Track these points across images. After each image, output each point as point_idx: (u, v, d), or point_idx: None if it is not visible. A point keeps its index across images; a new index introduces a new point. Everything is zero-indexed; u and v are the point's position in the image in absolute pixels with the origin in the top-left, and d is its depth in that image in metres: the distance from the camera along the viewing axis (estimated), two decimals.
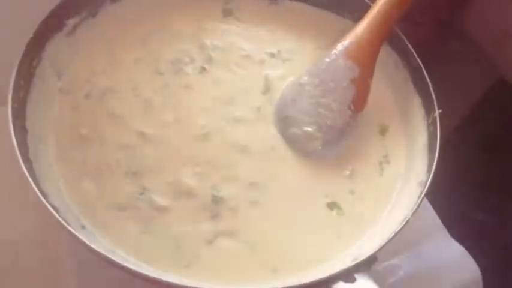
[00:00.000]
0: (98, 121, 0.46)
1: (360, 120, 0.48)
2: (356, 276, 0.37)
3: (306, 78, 0.48)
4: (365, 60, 0.47)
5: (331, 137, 0.47)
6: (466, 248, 0.53)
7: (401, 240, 0.44)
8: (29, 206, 0.41)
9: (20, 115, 0.43)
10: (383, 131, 0.49)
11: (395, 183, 0.46)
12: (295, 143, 0.46)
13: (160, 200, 0.42)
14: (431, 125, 0.46)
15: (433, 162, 0.43)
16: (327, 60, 0.48)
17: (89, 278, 0.47)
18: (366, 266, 0.37)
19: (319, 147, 0.46)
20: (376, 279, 0.37)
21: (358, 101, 0.48)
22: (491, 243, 0.64)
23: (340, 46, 0.48)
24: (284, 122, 0.47)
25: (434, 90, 0.47)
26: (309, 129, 0.46)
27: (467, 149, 0.77)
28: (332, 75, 0.47)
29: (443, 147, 0.44)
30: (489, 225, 0.68)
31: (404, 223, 0.40)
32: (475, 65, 0.75)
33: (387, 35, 0.48)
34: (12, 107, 0.41)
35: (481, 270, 0.53)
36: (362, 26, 0.48)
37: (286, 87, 0.49)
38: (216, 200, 0.43)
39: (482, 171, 0.74)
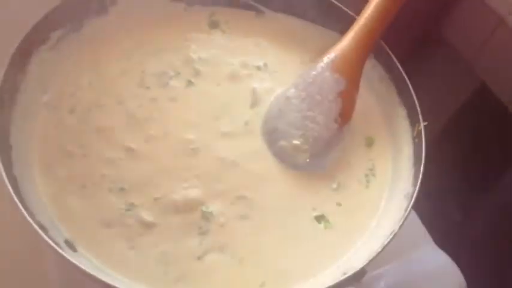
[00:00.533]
0: (83, 136, 0.45)
1: (347, 132, 0.49)
2: None
3: (292, 91, 0.48)
4: (351, 73, 0.48)
5: (318, 149, 0.47)
6: (451, 257, 0.54)
7: (387, 251, 0.45)
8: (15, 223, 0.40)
9: (4, 131, 0.42)
10: (369, 143, 0.50)
11: (382, 195, 0.47)
12: (283, 156, 0.47)
13: (148, 216, 0.42)
14: (416, 137, 0.47)
15: (419, 174, 0.44)
16: (314, 73, 0.48)
17: None
18: (356, 279, 0.38)
19: (307, 160, 0.47)
20: None
21: (344, 113, 0.48)
22: (476, 252, 0.65)
23: (326, 59, 0.48)
24: (272, 135, 0.47)
25: (418, 98, 0.48)
26: (297, 142, 0.46)
27: (452, 156, 0.78)
28: (318, 88, 0.47)
29: (428, 155, 0.45)
30: (475, 234, 0.69)
31: (391, 236, 0.40)
32: (456, 71, 0.76)
33: (372, 47, 0.49)
34: None
35: (466, 279, 0.53)
36: (347, 39, 0.48)
37: (273, 100, 0.50)
38: (206, 216, 0.42)
39: (467, 179, 0.75)
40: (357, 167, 0.48)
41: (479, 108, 0.78)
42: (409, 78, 0.49)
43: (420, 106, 0.47)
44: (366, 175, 0.48)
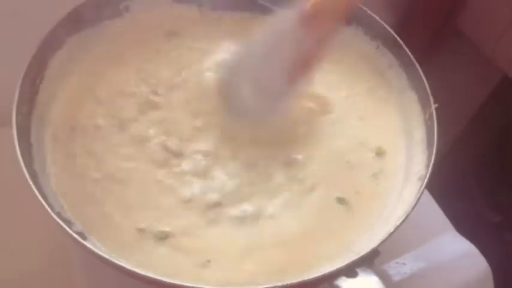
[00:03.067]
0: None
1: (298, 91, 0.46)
2: (358, 270, 0.37)
3: (254, 38, 0.46)
4: (319, 31, 0.44)
5: (266, 102, 0.45)
6: (474, 245, 0.53)
7: (407, 239, 0.44)
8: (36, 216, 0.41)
9: (25, 130, 0.44)
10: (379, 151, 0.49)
11: (396, 180, 0.46)
12: (237, 107, 0.45)
13: None
14: (429, 120, 0.46)
15: (432, 156, 0.43)
16: (280, 23, 0.44)
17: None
18: (368, 260, 0.37)
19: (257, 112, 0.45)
20: (381, 278, 0.37)
21: (300, 72, 0.45)
22: (500, 239, 0.63)
23: (298, 10, 0.43)
24: (228, 86, 0.46)
25: (436, 92, 0.47)
26: (247, 93, 0.45)
27: (475, 147, 0.77)
28: (280, 39, 0.44)
29: (450, 146, 0.44)
30: (498, 222, 0.67)
31: (405, 217, 0.40)
32: (476, 65, 0.75)
33: (348, 11, 0.45)
34: (17, 122, 0.42)
35: (491, 267, 0.52)
36: None
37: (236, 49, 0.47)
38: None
39: (489, 169, 0.74)
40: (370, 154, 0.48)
41: (501, 101, 0.77)
42: (425, 73, 0.48)
43: (438, 102, 0.47)
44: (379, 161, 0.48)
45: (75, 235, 0.37)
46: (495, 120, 0.79)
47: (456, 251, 0.53)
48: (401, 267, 0.50)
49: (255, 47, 0.45)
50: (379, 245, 0.38)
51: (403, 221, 0.39)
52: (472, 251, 0.53)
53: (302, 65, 0.44)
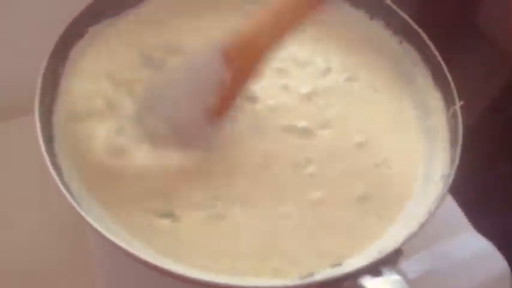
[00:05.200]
0: None
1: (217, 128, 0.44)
2: (382, 269, 0.36)
3: (174, 67, 0.45)
4: (241, 66, 0.41)
5: (179, 139, 0.43)
6: (493, 244, 0.53)
7: (424, 237, 0.44)
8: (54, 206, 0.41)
9: (47, 123, 0.44)
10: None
11: (418, 178, 0.46)
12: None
13: None
14: (453, 117, 0.46)
15: (456, 155, 0.43)
16: (202, 55, 0.42)
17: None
18: (392, 259, 0.37)
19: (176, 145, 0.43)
20: (400, 274, 0.37)
21: (217, 110, 0.42)
22: None
23: (218, 42, 0.41)
24: (144, 110, 0.44)
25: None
26: (160, 127, 0.43)
27: (491, 143, 0.76)
28: (198, 73, 0.42)
29: (465, 141, 0.44)
30: None
31: (428, 216, 0.39)
32: (491, 60, 0.74)
33: (274, 46, 0.42)
34: (40, 112, 0.42)
35: (510, 266, 0.52)
36: (250, 26, 0.41)
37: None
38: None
39: (507, 165, 0.73)
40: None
41: None
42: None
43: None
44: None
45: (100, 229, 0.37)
46: (509, 113, 0.79)
47: (474, 249, 0.52)
48: (418, 264, 0.50)
49: (175, 75, 0.44)
50: (404, 244, 0.38)
51: (427, 220, 0.39)
52: (490, 250, 0.53)
53: (220, 101, 0.42)
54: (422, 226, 0.39)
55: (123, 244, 0.36)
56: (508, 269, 0.52)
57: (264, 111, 0.47)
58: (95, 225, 0.37)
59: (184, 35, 0.51)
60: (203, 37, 0.47)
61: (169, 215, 0.41)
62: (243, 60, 0.41)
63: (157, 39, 0.51)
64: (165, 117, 0.43)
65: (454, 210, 0.55)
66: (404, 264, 0.49)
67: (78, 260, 0.49)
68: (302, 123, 0.47)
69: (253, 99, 0.47)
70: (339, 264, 0.39)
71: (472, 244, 0.53)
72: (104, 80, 0.48)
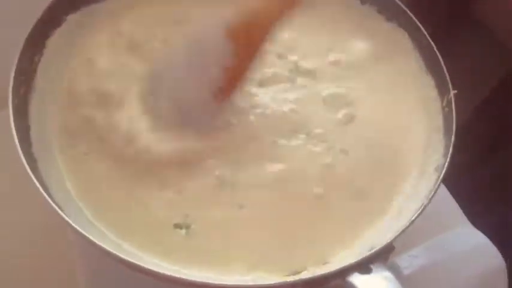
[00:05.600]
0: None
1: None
2: (372, 267, 0.35)
3: (177, 48, 0.43)
4: (247, 44, 0.40)
5: (188, 120, 0.42)
6: (488, 238, 0.51)
7: (419, 231, 0.42)
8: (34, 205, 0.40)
9: (23, 113, 0.42)
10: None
11: (411, 168, 0.44)
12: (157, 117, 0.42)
13: None
14: (446, 106, 0.44)
15: (450, 145, 0.41)
16: (206, 32, 0.41)
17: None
18: (383, 256, 0.36)
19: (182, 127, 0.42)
20: (393, 271, 0.36)
21: (225, 88, 0.41)
22: None
23: (224, 19, 0.40)
24: (150, 95, 0.43)
25: (449, 76, 0.45)
26: (167, 109, 0.42)
27: (487, 137, 0.75)
28: (204, 52, 0.41)
29: (461, 134, 0.42)
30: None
31: (420, 210, 0.38)
32: (490, 52, 0.73)
33: (277, 21, 0.41)
34: (13, 103, 0.40)
35: (505, 260, 0.50)
36: (254, 4, 0.40)
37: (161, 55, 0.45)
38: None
39: (503, 159, 0.72)
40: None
41: None
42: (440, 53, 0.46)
43: (451, 80, 0.44)
44: None
45: (74, 225, 0.35)
46: (506, 105, 0.77)
47: (470, 244, 0.51)
48: (413, 260, 0.48)
49: (179, 56, 0.42)
50: (394, 239, 0.36)
51: (420, 214, 0.37)
52: (486, 245, 0.51)
53: (225, 81, 0.41)
54: (414, 220, 0.37)
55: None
56: (504, 263, 0.50)
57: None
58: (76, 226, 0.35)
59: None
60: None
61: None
62: (249, 38, 0.40)
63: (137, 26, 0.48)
64: (169, 98, 0.42)
65: (449, 204, 0.53)
66: (398, 259, 0.48)
67: (58, 259, 0.47)
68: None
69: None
70: (327, 262, 0.37)
71: (467, 239, 0.51)
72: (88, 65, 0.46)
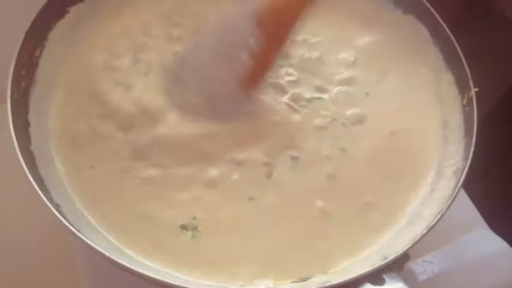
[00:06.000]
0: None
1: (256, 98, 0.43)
2: (385, 277, 0.32)
3: (205, 37, 0.42)
4: (273, 31, 0.39)
5: (216, 111, 0.41)
6: (507, 243, 0.48)
7: (434, 235, 0.40)
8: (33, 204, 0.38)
9: (23, 108, 0.40)
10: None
11: (428, 171, 0.42)
12: (185, 109, 0.41)
13: None
14: (467, 105, 0.41)
15: (470, 147, 0.39)
16: (233, 20, 0.40)
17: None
18: (397, 265, 0.33)
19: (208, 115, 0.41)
20: (407, 278, 0.34)
21: (254, 77, 0.41)
22: None
23: (251, 7, 0.39)
24: (175, 84, 0.42)
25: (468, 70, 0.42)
26: (196, 99, 0.41)
27: (505, 136, 0.72)
28: (232, 40, 0.40)
29: (479, 132, 0.40)
30: None
31: (439, 217, 0.35)
32: (508, 42, 0.70)
33: (306, 7, 0.39)
34: (12, 98, 0.39)
35: None
36: None
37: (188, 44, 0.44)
38: None
39: None
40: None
41: None
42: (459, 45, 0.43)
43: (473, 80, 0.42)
44: None
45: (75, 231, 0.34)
46: None
47: (488, 249, 0.48)
48: (428, 265, 0.46)
49: (206, 45, 0.41)
50: (410, 248, 0.34)
51: (437, 221, 0.35)
52: (505, 250, 0.48)
53: (253, 67, 0.40)
54: (431, 228, 0.35)
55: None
56: None
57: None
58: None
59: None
60: None
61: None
62: (276, 26, 0.39)
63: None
64: (196, 87, 0.41)
65: (467, 207, 0.51)
66: (412, 264, 0.45)
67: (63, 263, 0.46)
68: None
69: None
70: (336, 271, 0.35)
71: (486, 244, 0.49)
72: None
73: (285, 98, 0.44)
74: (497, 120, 0.71)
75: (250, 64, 0.39)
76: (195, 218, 0.38)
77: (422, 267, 0.46)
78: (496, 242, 0.49)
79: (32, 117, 0.41)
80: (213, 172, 0.40)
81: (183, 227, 0.38)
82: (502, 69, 0.73)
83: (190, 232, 0.38)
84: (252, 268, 0.37)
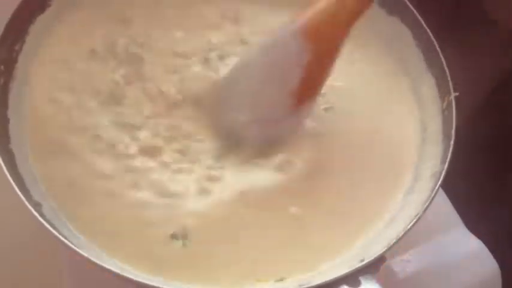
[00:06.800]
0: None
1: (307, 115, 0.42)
2: (361, 279, 0.33)
3: (250, 55, 0.42)
4: (323, 44, 0.38)
5: (265, 130, 0.40)
6: (484, 243, 0.49)
7: (413, 235, 0.41)
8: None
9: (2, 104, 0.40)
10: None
11: (406, 174, 0.42)
12: (232, 130, 0.41)
13: None
14: (446, 109, 0.42)
15: (448, 151, 0.39)
16: (279, 36, 0.39)
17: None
18: (374, 267, 0.34)
19: (254, 137, 0.40)
20: (384, 276, 0.34)
21: (304, 92, 0.39)
22: (510, 239, 0.60)
23: (296, 21, 0.38)
24: (223, 104, 0.41)
25: (451, 73, 0.43)
26: (243, 117, 0.40)
27: (485, 138, 0.73)
28: (279, 56, 0.39)
29: (459, 133, 0.40)
30: (508, 220, 0.64)
31: (415, 220, 0.36)
32: (495, 47, 0.71)
33: (357, 17, 0.39)
34: None
35: (500, 266, 0.49)
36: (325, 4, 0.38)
37: (234, 63, 0.42)
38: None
39: (501, 161, 0.70)
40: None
41: None
42: (443, 52, 0.44)
43: (455, 82, 0.42)
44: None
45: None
46: (507, 106, 0.75)
47: (464, 249, 0.49)
48: (406, 264, 0.47)
49: (252, 65, 0.40)
50: (387, 251, 0.34)
51: (413, 224, 0.36)
52: (482, 250, 0.49)
53: (306, 85, 0.39)
54: (407, 231, 0.35)
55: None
56: (499, 270, 0.49)
57: None
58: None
59: None
60: None
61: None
62: (325, 40, 0.38)
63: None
64: (245, 108, 0.40)
65: (445, 206, 0.52)
66: (391, 264, 0.46)
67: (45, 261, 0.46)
68: None
69: None
70: (311, 273, 0.36)
71: (462, 243, 0.50)
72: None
73: None
74: (479, 121, 0.72)
75: (300, 80, 0.38)
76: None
77: (400, 266, 0.47)
78: (473, 242, 0.50)
79: (11, 113, 0.40)
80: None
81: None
82: (488, 70, 0.73)
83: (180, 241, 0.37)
84: (237, 270, 0.37)
